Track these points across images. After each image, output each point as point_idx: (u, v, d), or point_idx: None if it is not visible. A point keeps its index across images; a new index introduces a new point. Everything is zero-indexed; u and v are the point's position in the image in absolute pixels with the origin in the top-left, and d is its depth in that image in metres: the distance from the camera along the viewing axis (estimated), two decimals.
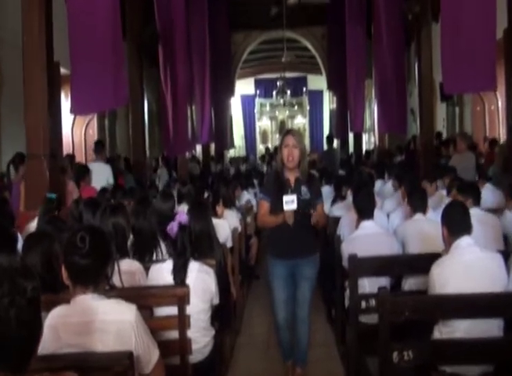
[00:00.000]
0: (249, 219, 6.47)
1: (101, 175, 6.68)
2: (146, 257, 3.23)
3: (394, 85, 8.17)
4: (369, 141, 16.52)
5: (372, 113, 13.20)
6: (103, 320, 1.91)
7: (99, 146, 7.40)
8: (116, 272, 2.22)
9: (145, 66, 9.16)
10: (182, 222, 2.74)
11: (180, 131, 8.60)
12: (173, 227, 2.73)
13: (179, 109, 8.63)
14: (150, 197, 4.92)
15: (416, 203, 3.84)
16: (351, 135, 14.28)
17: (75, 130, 11.18)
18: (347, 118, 12.47)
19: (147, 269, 2.91)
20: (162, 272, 2.81)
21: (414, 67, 8.54)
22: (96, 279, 1.97)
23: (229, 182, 6.83)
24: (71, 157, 7.64)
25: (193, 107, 11.26)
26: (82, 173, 6.27)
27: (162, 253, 3.29)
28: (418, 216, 3.80)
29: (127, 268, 2.78)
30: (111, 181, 6.83)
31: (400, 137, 11.56)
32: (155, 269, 2.87)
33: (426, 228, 3.70)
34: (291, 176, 3.42)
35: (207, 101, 11.37)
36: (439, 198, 4.87)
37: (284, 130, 3.67)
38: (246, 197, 7.46)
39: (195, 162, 13.54)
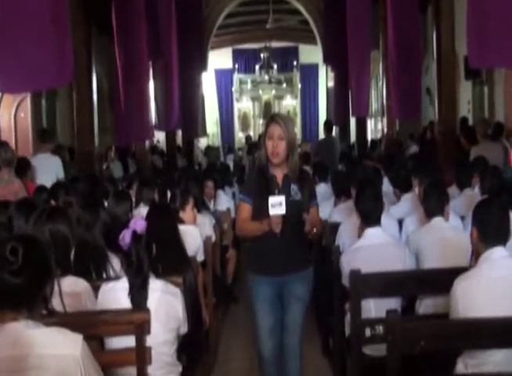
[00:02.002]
0: (226, 226, 6.47)
1: (49, 169, 6.75)
2: (91, 274, 3.21)
3: (406, 59, 8.24)
4: (375, 128, 16.65)
5: (379, 94, 13.30)
6: (40, 355, 1.89)
7: (45, 134, 7.56)
8: (56, 294, 2.20)
9: (93, 33, 9.08)
10: (138, 230, 2.73)
11: (138, 113, 8.56)
12: (125, 237, 2.71)
13: (137, 86, 8.59)
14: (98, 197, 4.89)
15: (432, 204, 3.88)
16: (353, 121, 14.37)
17: (2, 112, 11.08)
18: (348, 99, 12.55)
19: (96, 289, 2.89)
20: (116, 294, 2.80)
21: (432, 37, 8.60)
22: (31, 302, 1.95)
23: (202, 178, 6.83)
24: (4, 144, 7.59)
25: (154, 84, 11.21)
26: (23, 168, 6.24)
27: (113, 269, 3.28)
28: (436, 221, 3.84)
29: (70, 288, 2.76)
30: (61, 175, 6.91)
31: (414, 124, 11.67)
32: (107, 289, 2.86)
33: (446, 235, 3.74)
34: (278, 173, 3.44)
35: (173, 77, 11.33)
36: (469, 200, 4.84)
37: (268, 115, 3.69)
38: (223, 198, 7.45)
39: (157, 154, 13.50)
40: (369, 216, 3.64)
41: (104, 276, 3.26)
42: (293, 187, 3.40)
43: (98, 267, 3.27)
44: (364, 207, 3.66)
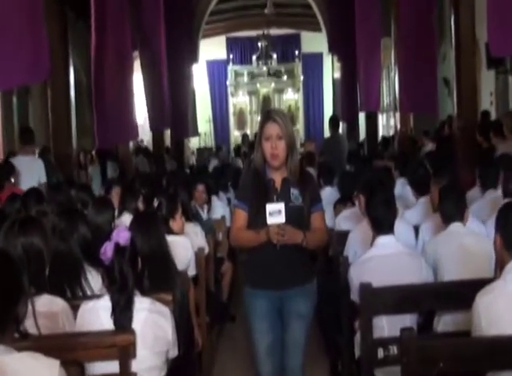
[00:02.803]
0: (220, 236, 6.47)
1: (31, 173, 6.83)
2: (65, 292, 3.21)
3: (419, 45, 8.25)
4: (387, 124, 16.68)
5: (391, 86, 13.32)
6: None
7: (27, 134, 7.58)
8: (30, 314, 2.20)
9: (69, 20, 9.10)
10: (121, 241, 2.73)
11: (119, 111, 8.54)
12: (106, 250, 2.71)
13: (119, 79, 8.58)
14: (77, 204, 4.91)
15: (449, 209, 3.87)
16: (362, 117, 14.38)
17: None
18: (356, 92, 12.55)
19: (75, 309, 2.90)
20: (97, 314, 2.81)
21: (449, 21, 8.62)
22: (2, 324, 1.95)
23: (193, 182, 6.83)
24: None
25: (143, 79, 11.20)
26: (6, 173, 6.28)
27: (89, 286, 3.28)
28: (454, 227, 3.84)
29: (46, 307, 2.77)
30: (43, 180, 7.00)
31: (431, 119, 11.68)
32: (87, 308, 2.86)
33: (467, 242, 3.74)
34: (276, 176, 3.44)
35: (161, 70, 11.33)
36: (492, 202, 4.85)
37: (264, 112, 3.68)
38: (218, 204, 7.46)
39: (142, 155, 13.50)
40: (381, 223, 3.64)
41: (80, 293, 3.27)
42: (294, 191, 3.40)
43: (72, 283, 3.27)
44: (375, 214, 3.66)
